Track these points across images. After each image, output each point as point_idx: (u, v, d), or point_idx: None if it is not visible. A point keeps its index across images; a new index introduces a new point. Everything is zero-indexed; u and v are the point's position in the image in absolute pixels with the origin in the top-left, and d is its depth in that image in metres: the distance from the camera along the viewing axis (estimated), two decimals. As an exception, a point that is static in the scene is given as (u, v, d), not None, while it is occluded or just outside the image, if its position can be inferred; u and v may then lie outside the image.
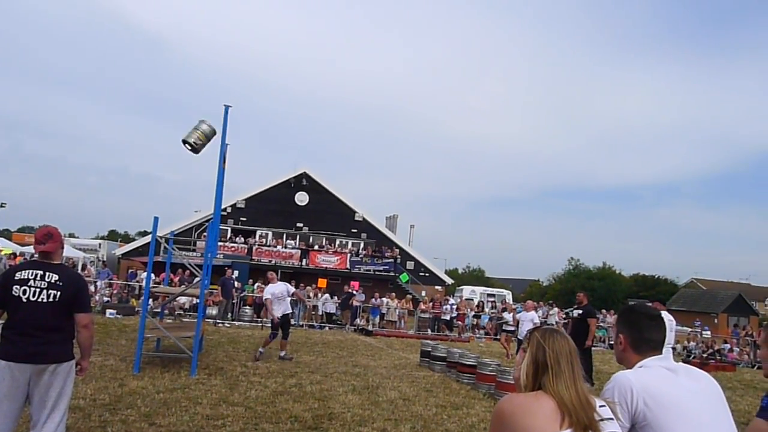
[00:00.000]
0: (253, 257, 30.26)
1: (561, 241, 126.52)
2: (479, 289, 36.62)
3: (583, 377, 1.93)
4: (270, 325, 11.70)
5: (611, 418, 1.88)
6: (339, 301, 22.79)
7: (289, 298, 11.75)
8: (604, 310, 26.63)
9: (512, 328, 17.42)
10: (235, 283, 21.20)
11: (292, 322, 21.27)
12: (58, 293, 3.85)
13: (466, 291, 35.48)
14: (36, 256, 4.01)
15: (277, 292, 11.35)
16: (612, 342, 22.24)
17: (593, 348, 13.41)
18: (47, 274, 3.88)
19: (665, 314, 6.91)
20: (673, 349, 15.07)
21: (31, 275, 3.85)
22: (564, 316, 23.52)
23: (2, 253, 16.37)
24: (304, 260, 31.20)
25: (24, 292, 3.80)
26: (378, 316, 22.96)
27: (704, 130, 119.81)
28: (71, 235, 40.79)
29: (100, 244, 36.84)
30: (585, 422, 1.78)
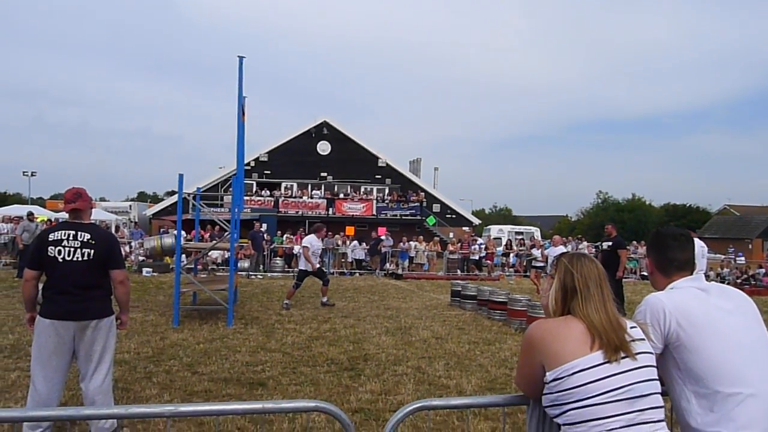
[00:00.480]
0: (280, 209, 30.57)
1: (588, 175, 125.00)
2: (507, 228, 36.48)
3: (613, 300, 1.91)
4: (296, 275, 11.95)
5: (642, 339, 1.87)
6: (367, 247, 23.01)
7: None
8: (634, 242, 26.42)
9: (541, 264, 17.43)
10: (265, 236, 21.52)
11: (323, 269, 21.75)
12: (92, 251, 3.95)
13: (494, 230, 35.40)
14: (67, 216, 4.09)
15: (316, 246, 11.65)
16: (643, 273, 22.19)
17: (624, 279, 13.36)
18: (79, 233, 3.97)
19: (696, 241, 6.81)
20: (707, 276, 14.95)
21: (64, 235, 3.94)
22: (594, 249, 23.42)
23: (38, 220, 16.78)
24: (330, 209, 31.41)
25: (59, 252, 3.90)
26: (407, 260, 23.16)
27: (732, 53, 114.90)
28: (102, 199, 41.55)
29: (130, 206, 37.50)
30: (616, 343, 1.77)
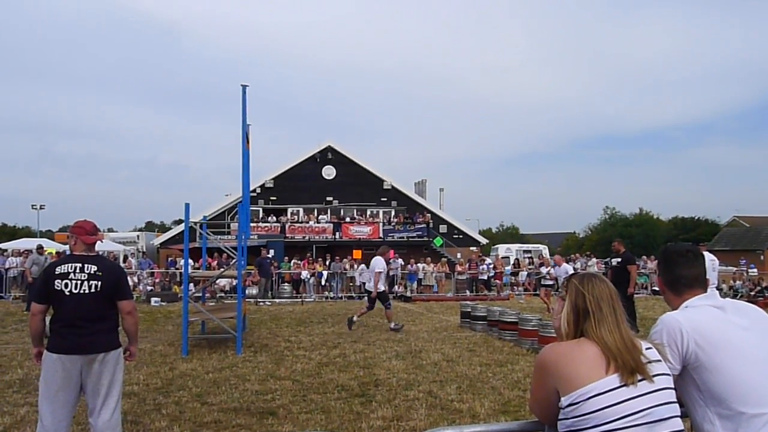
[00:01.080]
0: (287, 235, 30.59)
1: (594, 190, 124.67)
2: (515, 247, 36.35)
3: (626, 320, 1.87)
4: (368, 297, 12.09)
5: (659, 360, 1.82)
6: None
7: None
8: (644, 257, 26.24)
9: (551, 282, 17.31)
10: (272, 262, 21.51)
11: (331, 294, 21.68)
12: (99, 283, 3.94)
13: (502, 249, 35.28)
14: (84, 248, 4.07)
15: (386, 268, 11.83)
16: (654, 288, 21.98)
17: (636, 295, 13.23)
18: (86, 265, 3.96)
19: (707, 254, 6.73)
20: (719, 290, 14.76)
21: (71, 268, 3.93)
22: (603, 266, 23.25)
23: (47, 252, 16.86)
24: (337, 233, 31.39)
25: (66, 285, 3.89)
26: (415, 282, 23.07)
27: (736, 62, 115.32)
28: (110, 230, 41.83)
29: (138, 236, 37.61)
30: (632, 365, 1.73)
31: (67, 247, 25.90)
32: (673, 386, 1.81)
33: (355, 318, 11.66)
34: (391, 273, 22.45)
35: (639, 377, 1.73)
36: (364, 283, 22.69)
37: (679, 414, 1.77)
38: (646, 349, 1.82)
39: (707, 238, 47.11)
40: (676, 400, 1.79)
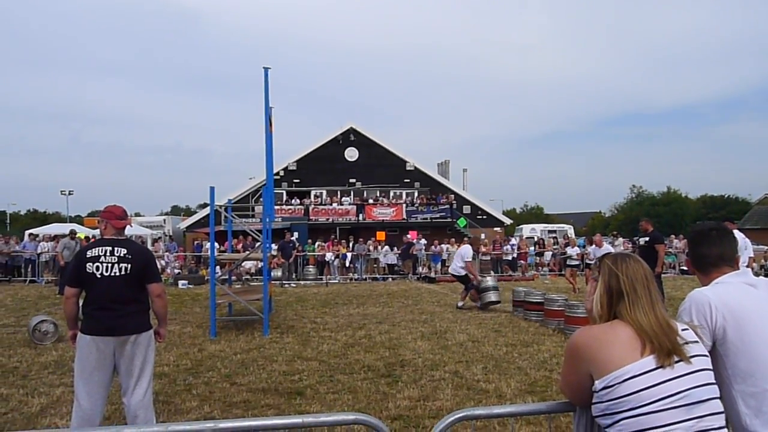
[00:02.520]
0: (311, 217, 30.73)
1: (621, 169, 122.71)
2: (539, 227, 36.05)
3: (662, 301, 1.83)
4: (467, 282, 12.34)
5: (696, 341, 1.77)
6: (399, 251, 22.96)
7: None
8: (672, 236, 25.81)
9: (576, 263, 17.15)
10: (296, 245, 21.66)
11: (355, 276, 21.80)
12: (129, 266, 4.00)
13: (526, 230, 35.03)
14: (114, 232, 4.14)
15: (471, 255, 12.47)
16: (682, 268, 21.65)
17: (663, 275, 13.03)
18: (116, 249, 4.02)
19: (737, 233, 6.58)
20: (750, 269, 14.48)
21: (102, 252, 4.00)
22: (630, 245, 22.93)
23: (77, 236, 17.20)
24: (360, 215, 31.44)
25: (97, 268, 3.96)
26: (439, 263, 23.05)
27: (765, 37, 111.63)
28: (137, 214, 42.47)
29: (164, 220, 38.15)
30: (668, 347, 1.69)
31: (95, 231, 26.45)
32: (711, 368, 1.77)
33: (459, 303, 12.34)
34: (415, 254, 22.47)
35: (676, 359, 1.68)
36: (387, 265, 22.83)
37: (717, 395, 1.73)
38: (683, 330, 1.78)
39: (737, 217, 46.03)
40: (714, 381, 1.74)
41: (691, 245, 2.27)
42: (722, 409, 1.73)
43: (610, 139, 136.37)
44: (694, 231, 2.29)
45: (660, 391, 1.64)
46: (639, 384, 1.65)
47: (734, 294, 2.03)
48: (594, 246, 14.47)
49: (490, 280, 12.31)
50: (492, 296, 11.95)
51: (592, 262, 15.94)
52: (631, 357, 1.68)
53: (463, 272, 12.29)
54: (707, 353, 1.80)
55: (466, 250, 12.51)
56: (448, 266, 22.93)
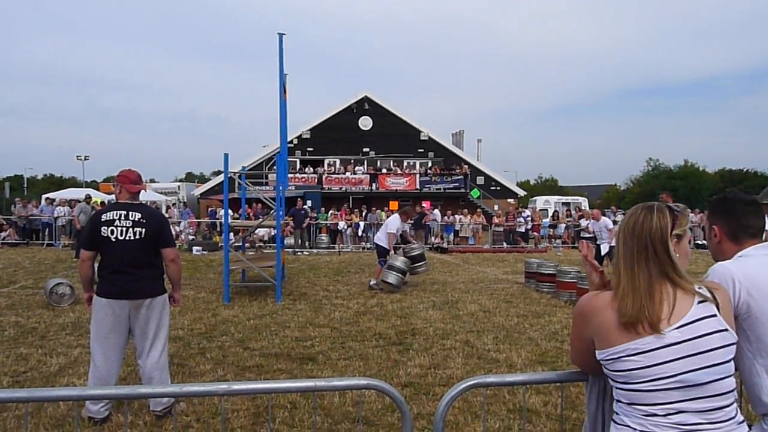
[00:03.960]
0: (324, 186, 30.75)
1: (637, 141, 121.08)
2: (553, 199, 35.70)
3: (676, 263, 1.70)
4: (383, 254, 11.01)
5: (714, 315, 1.65)
6: (412, 221, 22.91)
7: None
8: (688, 210, 25.49)
9: (590, 235, 17.02)
10: (309, 213, 21.72)
11: (368, 245, 21.85)
12: (143, 230, 4.02)
13: (540, 201, 34.73)
14: (129, 196, 4.15)
15: (400, 228, 11.11)
16: (698, 242, 21.44)
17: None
18: (130, 213, 4.04)
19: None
20: None
21: (116, 216, 4.02)
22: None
23: (93, 202, 17.38)
24: (373, 185, 31.39)
25: (111, 232, 3.99)
26: (452, 234, 23.04)
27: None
28: (152, 180, 42.65)
29: (179, 187, 38.30)
30: (658, 318, 1.61)
31: (111, 196, 26.73)
32: (720, 345, 1.64)
33: (372, 282, 10.91)
34: (428, 224, 22.43)
35: (674, 331, 1.61)
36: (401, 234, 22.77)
37: (722, 376, 1.63)
38: (699, 302, 1.65)
39: (755, 191, 45.40)
40: (721, 361, 1.62)
41: (730, 213, 2.17)
42: (728, 389, 1.64)
43: (628, 111, 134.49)
44: (734, 199, 2.20)
45: (653, 372, 1.60)
46: (633, 363, 1.62)
47: (759, 267, 1.98)
48: (592, 220, 14.31)
49: (399, 262, 10.59)
50: (390, 278, 10.38)
51: (590, 235, 15.82)
52: (626, 335, 1.63)
53: (384, 242, 10.99)
54: (723, 327, 1.66)
55: (393, 220, 11.16)
56: (461, 237, 22.98)
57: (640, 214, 1.73)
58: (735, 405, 1.66)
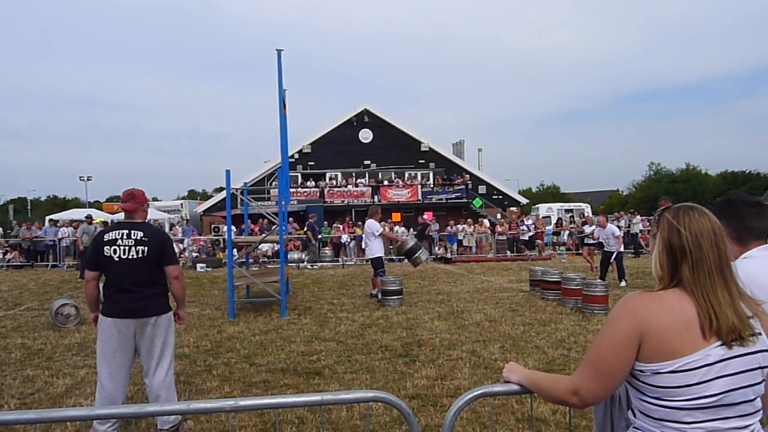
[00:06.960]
0: (326, 199, 30.79)
1: (638, 146, 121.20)
2: (556, 206, 35.69)
3: (731, 265, 1.59)
4: (378, 267, 10.88)
5: (760, 333, 1.53)
6: (415, 232, 22.93)
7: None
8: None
9: (594, 242, 16.98)
10: (315, 227, 21.77)
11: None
12: (146, 248, 4.03)
13: (543, 209, 34.72)
14: (122, 216, 4.19)
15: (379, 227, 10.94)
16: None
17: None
18: (132, 232, 4.06)
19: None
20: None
21: (118, 235, 4.04)
22: (648, 223, 22.68)
23: (95, 221, 17.42)
24: (375, 197, 31.42)
25: (114, 251, 4.00)
26: (455, 243, 23.01)
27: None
28: (155, 199, 42.73)
29: (182, 204, 38.39)
30: (736, 327, 1.47)
31: (114, 216, 26.78)
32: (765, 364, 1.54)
33: (373, 291, 10.96)
34: (431, 234, 22.43)
35: (737, 344, 1.48)
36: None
37: (759, 394, 1.55)
38: (749, 317, 1.52)
39: (758, 193, 45.29)
40: (759, 380, 1.53)
41: (735, 215, 2.16)
42: (757, 409, 1.54)
43: (628, 116, 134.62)
44: (738, 201, 2.20)
45: (695, 391, 1.47)
46: (681, 379, 1.48)
47: (761, 268, 1.98)
48: (599, 227, 14.23)
49: (413, 241, 11.66)
50: (423, 255, 11.52)
51: (594, 242, 15.73)
52: (688, 346, 1.47)
53: (378, 252, 10.79)
54: (766, 348, 1.53)
55: (372, 224, 10.88)
56: (464, 247, 22.94)
57: (707, 216, 1.61)
58: (758, 423, 1.55)
